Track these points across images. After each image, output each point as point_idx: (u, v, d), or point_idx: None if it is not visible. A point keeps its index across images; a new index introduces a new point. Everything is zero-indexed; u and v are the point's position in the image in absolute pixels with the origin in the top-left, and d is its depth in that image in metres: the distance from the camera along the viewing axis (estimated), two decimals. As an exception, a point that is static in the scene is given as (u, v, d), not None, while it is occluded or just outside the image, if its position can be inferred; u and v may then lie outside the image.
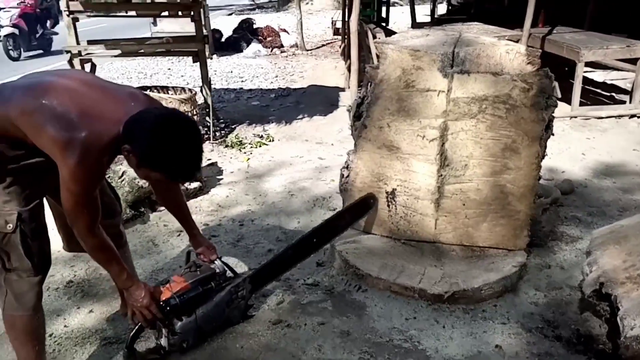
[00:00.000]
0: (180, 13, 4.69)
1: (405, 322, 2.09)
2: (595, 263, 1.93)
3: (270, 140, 4.60)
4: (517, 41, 4.47)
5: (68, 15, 4.22)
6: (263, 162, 4.10)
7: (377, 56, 4.71)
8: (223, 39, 10.18)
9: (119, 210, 1.94)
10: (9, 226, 1.53)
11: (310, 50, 9.97)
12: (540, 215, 2.57)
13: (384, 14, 8.80)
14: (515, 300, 2.22)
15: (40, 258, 1.61)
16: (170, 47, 4.68)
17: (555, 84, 2.32)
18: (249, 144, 4.50)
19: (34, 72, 1.75)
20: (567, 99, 4.74)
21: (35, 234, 1.59)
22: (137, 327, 1.83)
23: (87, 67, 4.48)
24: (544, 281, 2.35)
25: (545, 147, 2.34)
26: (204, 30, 5.21)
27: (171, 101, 4.05)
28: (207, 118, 4.56)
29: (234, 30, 10.46)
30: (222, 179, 3.75)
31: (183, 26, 8.21)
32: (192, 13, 4.50)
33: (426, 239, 2.51)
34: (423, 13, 9.63)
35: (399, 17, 10.97)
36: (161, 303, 1.80)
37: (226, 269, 2.04)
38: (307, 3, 16.50)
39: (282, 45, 10.05)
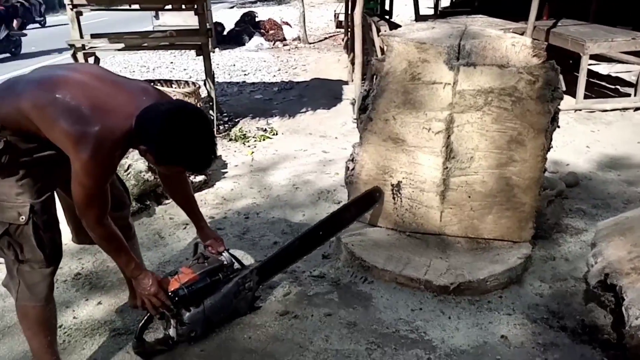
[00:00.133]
0: (183, 6, 4.67)
1: (411, 313, 2.11)
2: (600, 254, 1.94)
3: (274, 134, 4.61)
4: (521, 34, 4.46)
5: (72, 9, 4.22)
6: (267, 155, 4.11)
7: (381, 49, 4.71)
8: (225, 32, 10.17)
9: (128, 203, 1.96)
10: (22, 218, 1.55)
11: (313, 43, 9.95)
12: (545, 208, 2.58)
13: (387, 7, 8.75)
14: (521, 291, 2.23)
15: (52, 249, 1.63)
16: (174, 40, 4.67)
17: (560, 76, 2.32)
18: (253, 137, 4.51)
19: (45, 66, 1.75)
20: (571, 92, 4.73)
21: (47, 225, 1.61)
22: (146, 318, 1.85)
23: (91, 60, 4.48)
24: (548, 273, 2.37)
25: (551, 139, 2.35)
26: (207, 24, 5.20)
27: (175, 95, 4.06)
28: (210, 112, 4.56)
29: (236, 24, 10.44)
30: (226, 172, 3.76)
31: (185, 19, 8.19)
32: (195, 6, 4.49)
33: (431, 231, 2.53)
34: (426, 6, 9.57)
35: (402, 9, 10.92)
36: (170, 293, 1.82)
37: (233, 260, 2.05)
38: (309, -4, 16.41)
39: (284, 39, 10.03)
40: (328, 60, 8.08)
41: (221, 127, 4.71)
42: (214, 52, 8.54)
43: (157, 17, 9.87)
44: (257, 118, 5.07)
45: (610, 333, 1.86)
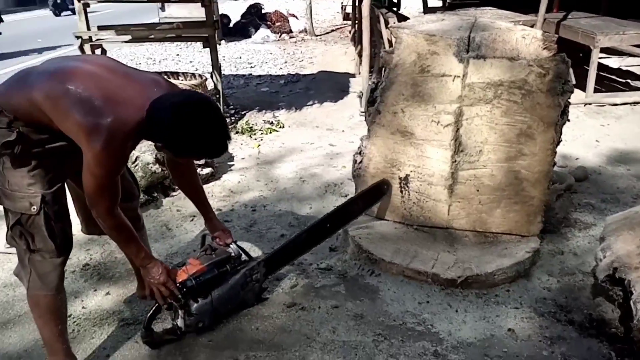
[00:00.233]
0: (190, -2, 4.66)
1: (419, 306, 2.11)
2: (609, 248, 1.93)
3: (280, 127, 4.61)
4: (531, 26, 4.41)
5: (79, 1, 4.22)
6: (274, 148, 4.11)
7: (389, 41, 4.68)
8: (231, 25, 10.15)
9: (137, 194, 1.97)
10: (34, 208, 1.57)
11: (320, 35, 9.91)
12: (553, 202, 2.57)
13: (394, -1, 8.69)
14: (528, 285, 2.23)
15: (62, 239, 1.65)
16: (181, 32, 4.67)
17: (570, 70, 2.30)
18: (260, 130, 4.51)
19: (56, 57, 1.76)
20: (581, 86, 4.68)
21: (58, 216, 1.63)
22: (154, 308, 1.87)
23: (97, 52, 4.49)
24: (557, 267, 2.36)
25: (561, 133, 2.33)
26: (214, 15, 5.19)
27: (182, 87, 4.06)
28: (217, 104, 4.56)
29: (242, 16, 10.41)
30: (233, 165, 3.77)
31: (191, 11, 8.19)
32: (202, -2, 4.48)
33: (439, 225, 2.52)
34: (434, -3, 9.50)
35: (410, 1, 10.83)
36: (178, 284, 1.83)
37: (241, 252, 2.06)
38: (315, -12, 16.32)
39: (291, 31, 10.00)
40: (335, 53, 8.05)
41: (228, 120, 4.71)
42: (220, 44, 8.53)
43: (163, 8, 9.86)
44: (264, 111, 5.07)
45: (618, 327, 1.85)
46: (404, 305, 2.12)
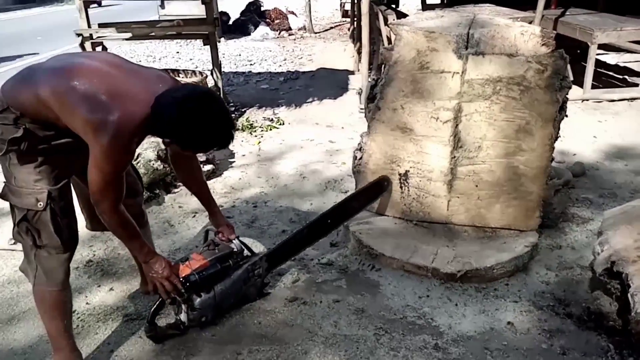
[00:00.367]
0: (190, -5, 4.67)
1: (419, 300, 2.14)
2: (606, 242, 1.96)
3: (280, 124, 4.63)
4: (529, 23, 4.42)
5: (79, -1, 4.23)
6: (274, 145, 4.13)
7: (388, 38, 4.69)
8: (230, 22, 10.14)
9: (141, 190, 1.99)
10: (40, 204, 1.58)
11: (319, 32, 9.92)
12: (551, 197, 2.59)
13: (393, -4, 8.68)
14: (527, 279, 2.25)
15: (68, 235, 1.67)
16: (181, 30, 4.68)
17: (568, 66, 2.32)
18: (260, 127, 4.52)
19: (62, 54, 1.78)
20: (579, 82, 4.70)
21: (64, 211, 1.64)
22: (157, 302, 1.89)
23: (99, 50, 4.50)
24: (555, 261, 2.38)
25: (559, 128, 2.35)
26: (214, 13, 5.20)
27: (183, 84, 4.07)
28: (219, 96, 4.57)
29: (242, 13, 10.41)
30: (234, 161, 3.79)
31: (191, 9, 8.20)
32: (202, -5, 4.48)
33: (438, 220, 2.54)
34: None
35: (408, -2, 10.85)
36: (181, 279, 1.85)
37: (243, 248, 2.09)
38: (314, -15, 16.30)
39: (290, 28, 10.00)
40: (334, 50, 8.06)
41: (228, 117, 4.72)
42: (219, 41, 8.53)
43: (162, 6, 9.86)
44: (264, 108, 5.08)
45: (616, 320, 1.88)
46: (405, 300, 2.15)
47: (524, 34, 2.30)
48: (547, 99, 2.26)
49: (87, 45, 4.34)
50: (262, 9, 10.48)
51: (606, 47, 5.45)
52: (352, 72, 6.32)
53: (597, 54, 4.86)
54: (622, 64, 5.66)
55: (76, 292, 2.27)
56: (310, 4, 9.94)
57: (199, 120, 1.54)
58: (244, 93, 5.74)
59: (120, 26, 4.53)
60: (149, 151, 3.03)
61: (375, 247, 2.37)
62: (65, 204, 1.65)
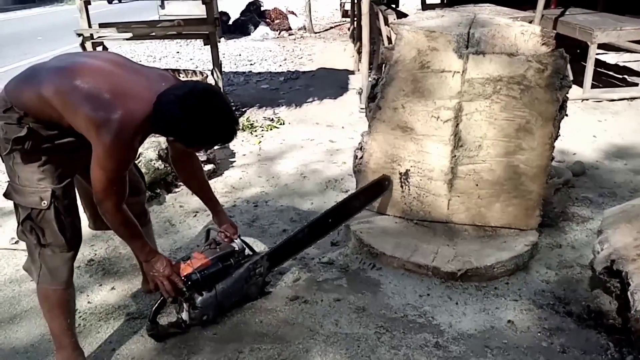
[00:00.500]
0: (190, -5, 4.68)
1: (419, 299, 2.15)
2: (606, 241, 1.96)
3: (281, 124, 4.63)
4: (529, 22, 4.43)
5: (80, -1, 4.24)
6: (274, 145, 4.13)
7: (388, 38, 4.70)
8: (230, 22, 10.15)
9: (143, 188, 1.99)
10: (44, 203, 1.59)
11: (319, 32, 9.92)
12: (551, 196, 2.60)
13: (393, -4, 8.69)
14: (527, 278, 2.26)
15: (72, 234, 1.67)
16: (182, 29, 4.68)
17: (568, 65, 2.33)
18: (260, 127, 4.53)
19: (65, 53, 1.79)
20: (579, 82, 4.71)
21: (68, 210, 1.65)
22: (159, 301, 1.89)
23: (99, 50, 4.51)
24: (555, 260, 2.39)
25: (559, 127, 2.36)
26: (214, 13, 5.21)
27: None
28: (220, 91, 4.57)
29: (242, 13, 10.41)
30: (234, 161, 3.79)
31: (191, 9, 8.20)
32: (202, -5, 4.49)
33: (439, 219, 2.55)
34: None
35: (408, -2, 10.85)
36: (182, 278, 1.86)
37: (245, 246, 2.09)
38: (314, -15, 16.30)
39: (290, 28, 10.01)
40: (334, 50, 8.06)
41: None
42: (220, 41, 8.54)
43: (162, 6, 9.87)
44: (264, 108, 5.09)
45: (616, 318, 1.89)
46: (405, 298, 2.15)
47: (524, 34, 2.30)
48: (547, 98, 2.27)
49: (88, 45, 4.34)
50: (262, 9, 10.49)
51: (606, 47, 5.46)
52: (352, 72, 6.33)
53: (597, 54, 4.87)
54: (621, 64, 5.67)
55: (78, 291, 2.26)
56: (310, 4, 9.94)
57: (201, 117, 1.54)
58: (245, 93, 5.74)
59: (121, 26, 4.53)
60: (150, 151, 3.04)
61: (375, 246, 2.38)
62: (69, 202, 1.65)
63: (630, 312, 1.72)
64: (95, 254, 2.58)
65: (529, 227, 2.45)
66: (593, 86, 4.80)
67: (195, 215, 2.95)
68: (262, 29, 9.65)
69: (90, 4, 4.36)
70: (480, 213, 2.49)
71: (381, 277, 2.29)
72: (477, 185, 2.45)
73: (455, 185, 2.47)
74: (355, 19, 7.13)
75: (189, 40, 8.66)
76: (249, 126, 4.50)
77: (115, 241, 2.62)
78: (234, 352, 1.88)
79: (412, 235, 2.49)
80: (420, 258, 2.29)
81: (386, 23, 4.77)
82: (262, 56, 7.82)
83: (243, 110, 5.03)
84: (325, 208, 2.61)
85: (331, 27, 10.50)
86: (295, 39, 9.34)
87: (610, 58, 5.81)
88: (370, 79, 2.63)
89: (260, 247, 2.55)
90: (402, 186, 2.56)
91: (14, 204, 1.65)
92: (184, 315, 1.94)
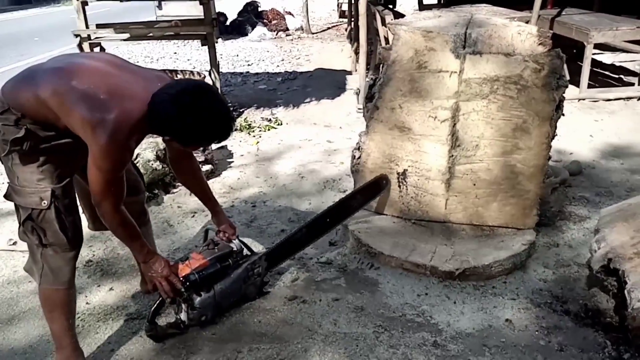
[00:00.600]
0: (188, -4, 4.68)
1: (417, 298, 2.16)
2: (603, 240, 1.98)
3: (278, 124, 4.64)
4: (526, 23, 4.45)
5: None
6: (272, 145, 4.14)
7: (385, 38, 4.71)
8: (228, 23, 10.15)
9: (143, 188, 1.99)
10: (44, 203, 1.59)
11: (316, 33, 9.93)
12: (549, 195, 2.61)
13: (390, -4, 8.71)
14: (525, 277, 2.27)
15: (74, 233, 1.67)
16: (179, 30, 4.69)
17: (564, 65, 2.34)
18: (258, 127, 4.53)
19: (62, 55, 1.78)
20: (575, 82, 4.73)
21: (69, 209, 1.65)
22: (158, 302, 1.89)
23: (96, 50, 4.50)
24: (552, 259, 2.40)
25: (556, 127, 2.37)
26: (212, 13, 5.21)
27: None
28: (215, 88, 4.57)
29: (239, 14, 10.41)
30: (232, 162, 3.80)
31: (189, 9, 8.21)
32: (200, -4, 4.49)
33: (436, 219, 2.56)
34: (429, -5, 9.53)
35: (405, -1, 10.87)
36: (181, 279, 1.86)
37: (243, 247, 2.10)
38: (311, -15, 16.31)
39: (287, 29, 10.01)
40: (331, 50, 8.07)
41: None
42: (217, 42, 8.54)
43: (160, 7, 9.87)
44: (262, 108, 5.09)
45: (613, 316, 1.90)
46: (403, 298, 2.16)
47: (521, 34, 2.31)
48: (544, 98, 2.28)
49: (85, 46, 4.34)
50: (260, 9, 10.49)
51: (602, 47, 5.48)
52: (350, 72, 6.34)
53: (593, 54, 4.89)
54: (617, 64, 5.69)
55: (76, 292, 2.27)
56: (307, 5, 9.95)
57: (196, 114, 1.53)
58: (242, 93, 5.75)
59: (118, 27, 4.53)
60: (147, 151, 3.04)
61: (374, 245, 2.38)
62: (70, 201, 1.65)
63: (627, 310, 1.73)
64: (94, 255, 2.58)
65: (526, 226, 2.46)
66: (589, 86, 4.82)
67: (193, 216, 2.95)
68: (260, 30, 9.66)
69: (87, 4, 4.35)
70: (477, 212, 2.50)
71: (379, 276, 2.30)
72: (474, 184, 2.46)
73: (453, 185, 2.48)
74: (353, 19, 7.14)
75: (186, 41, 8.66)
76: (247, 127, 4.50)
77: (114, 242, 2.62)
78: (232, 352, 1.88)
79: (410, 234, 2.50)
80: (418, 257, 2.29)
81: (383, 23, 4.78)
82: (260, 57, 7.83)
83: (241, 110, 5.03)
84: (324, 208, 2.62)
85: (328, 28, 10.51)
86: (292, 40, 9.35)
87: (607, 58, 5.84)
88: (367, 79, 2.64)
89: (258, 247, 2.55)
90: (399, 186, 2.57)
91: (15, 205, 1.65)
92: (183, 316, 1.94)
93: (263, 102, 5.31)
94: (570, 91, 4.54)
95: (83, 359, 1.83)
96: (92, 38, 4.39)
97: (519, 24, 2.47)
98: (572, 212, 2.81)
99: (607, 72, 5.55)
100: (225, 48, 8.54)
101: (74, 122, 1.51)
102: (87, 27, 4.39)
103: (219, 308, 2.01)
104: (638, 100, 4.70)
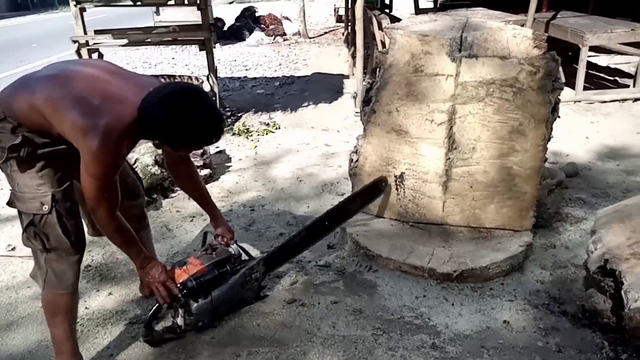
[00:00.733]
0: (185, 2, 4.70)
1: (416, 300, 2.16)
2: (600, 241, 1.99)
3: (276, 128, 4.65)
4: (521, 26, 4.48)
5: (75, 5, 4.25)
6: (270, 149, 4.15)
7: (382, 42, 4.74)
8: (225, 28, 10.18)
9: (142, 192, 1.99)
10: (45, 207, 1.59)
11: (313, 37, 9.97)
12: (545, 197, 2.62)
13: (387, 0, 8.76)
14: (522, 278, 2.28)
15: (77, 236, 1.67)
16: (177, 35, 4.71)
17: (560, 68, 2.36)
18: (256, 131, 4.55)
19: (57, 62, 1.79)
20: (571, 84, 4.76)
21: (70, 213, 1.65)
22: (155, 307, 1.89)
23: (94, 57, 4.52)
24: (549, 260, 2.41)
25: (552, 129, 2.39)
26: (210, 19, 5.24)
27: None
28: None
29: (236, 19, 10.45)
30: (230, 166, 3.81)
31: (186, 15, 8.23)
32: (197, 1, 4.52)
33: (434, 221, 2.57)
34: (426, -1, 9.60)
35: (401, 3, 10.91)
36: (178, 285, 1.85)
37: (241, 252, 2.09)
38: (308, -10, 16.37)
39: (284, 33, 10.05)
40: (328, 55, 8.10)
41: (224, 122, 4.74)
42: (215, 47, 8.56)
43: (157, 13, 9.90)
44: (260, 112, 5.11)
45: (610, 317, 1.91)
46: (402, 300, 2.17)
47: (516, 37, 2.33)
48: (540, 100, 2.30)
49: (83, 52, 4.36)
50: (257, 14, 10.53)
51: (597, 49, 5.51)
52: (347, 76, 6.36)
53: (588, 56, 4.92)
54: (612, 66, 5.73)
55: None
56: (304, 10, 9.99)
57: (184, 116, 1.51)
58: (240, 98, 5.76)
59: (116, 32, 4.55)
60: (146, 156, 3.05)
61: (372, 248, 2.39)
62: (71, 205, 1.65)
63: (624, 311, 1.74)
64: (93, 260, 2.58)
65: (523, 228, 2.48)
66: (585, 88, 4.85)
67: (192, 220, 2.95)
68: (257, 35, 9.69)
69: (85, 10, 4.37)
70: (474, 215, 2.51)
71: (377, 279, 2.31)
72: (471, 187, 2.47)
73: (450, 188, 2.49)
74: (350, 24, 7.18)
75: (184, 47, 8.68)
76: (245, 131, 4.51)
77: (113, 247, 2.61)
78: (231, 355, 1.88)
79: (407, 237, 2.51)
80: (416, 260, 2.30)
81: (380, 28, 4.81)
82: (257, 61, 7.85)
83: (239, 115, 5.05)
84: (322, 211, 2.61)
85: (325, 32, 10.55)
86: (290, 44, 9.38)
87: (602, 60, 5.87)
88: (364, 83, 2.65)
89: (257, 251, 2.55)
90: (397, 189, 2.58)
91: (17, 211, 1.65)
92: (179, 321, 1.93)
93: (261, 106, 5.32)
94: (566, 93, 4.56)
95: (83, 364, 1.83)
96: (90, 44, 4.41)
97: (514, 27, 2.49)
98: (568, 214, 2.83)
99: (602, 75, 5.59)
100: (223, 53, 8.56)
101: (65, 128, 1.51)
102: (85, 33, 4.40)
103: (216, 314, 2.01)
104: (633, 102, 4.73)
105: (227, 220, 2.89)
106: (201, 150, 3.38)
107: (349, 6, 7.29)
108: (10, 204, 1.65)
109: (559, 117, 2.43)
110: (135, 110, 1.53)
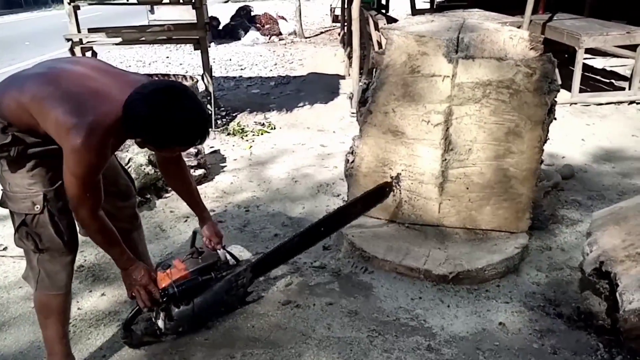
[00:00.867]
0: (180, 0, 4.67)
1: (411, 302, 2.15)
2: (595, 243, 1.99)
3: (271, 128, 4.63)
4: (518, 27, 4.48)
5: (69, 3, 4.21)
6: (265, 149, 4.13)
7: (378, 43, 4.73)
8: (220, 27, 10.15)
9: (134, 192, 1.96)
10: (37, 207, 1.57)
11: (309, 37, 9.96)
12: (541, 199, 2.63)
13: (383, 1, 8.76)
14: (518, 280, 2.28)
15: (70, 236, 1.64)
16: (172, 34, 4.68)
17: (556, 70, 2.36)
18: (251, 131, 4.53)
19: (47, 60, 1.75)
20: (567, 86, 4.76)
21: (63, 212, 1.62)
22: (135, 309, 1.84)
23: (88, 55, 4.48)
24: (545, 262, 2.41)
25: (548, 131, 2.39)
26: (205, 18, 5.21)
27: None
28: (208, 106, 4.58)
29: (232, 18, 10.42)
30: (225, 166, 3.78)
31: (181, 14, 8.20)
32: (192, 0, 4.49)
33: (430, 223, 2.56)
34: (422, 0, 9.62)
35: (398, 3, 10.93)
36: (159, 289, 1.80)
37: (228, 257, 2.03)
38: (304, -10, 16.35)
39: (280, 33, 10.03)
40: (324, 55, 8.09)
41: (219, 122, 4.73)
42: (210, 46, 8.53)
43: (152, 11, 9.85)
44: (255, 112, 5.09)
45: (605, 319, 1.90)
46: (397, 302, 2.16)
47: (513, 38, 2.33)
48: (536, 102, 2.30)
49: (77, 50, 4.32)
50: (252, 14, 10.51)
51: (593, 52, 5.54)
52: (343, 77, 6.35)
53: (585, 58, 4.93)
54: (608, 68, 5.76)
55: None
56: (300, 9, 9.98)
57: (168, 113, 1.46)
58: (235, 98, 5.74)
59: (110, 31, 4.51)
60: (140, 156, 3.03)
61: (367, 249, 2.38)
62: (63, 204, 1.61)
63: (619, 313, 1.74)
64: (85, 260, 2.56)
65: (519, 229, 2.47)
66: (581, 90, 4.87)
67: (185, 220, 2.93)
68: (253, 34, 9.66)
69: (79, 8, 4.33)
70: (470, 216, 2.51)
71: (373, 280, 2.30)
72: (467, 188, 2.46)
73: (446, 189, 2.48)
74: (346, 24, 7.17)
75: (178, 45, 8.64)
76: (240, 131, 4.49)
77: (105, 247, 2.59)
78: (225, 357, 1.87)
79: (403, 238, 2.50)
80: (412, 261, 2.29)
81: (376, 28, 4.80)
82: (253, 61, 7.83)
83: (234, 115, 5.03)
84: (317, 212, 2.60)
85: (321, 32, 10.54)
86: (285, 44, 9.36)
87: (598, 63, 5.90)
88: (361, 84, 2.64)
89: (251, 251, 2.52)
90: (393, 190, 2.57)
91: (9, 211, 1.63)
92: (160, 324, 1.89)
93: (256, 106, 5.30)
94: (562, 95, 4.57)
95: (75, 365, 1.80)
96: (84, 42, 4.37)
97: (510, 28, 2.49)
98: (564, 216, 2.83)
99: (598, 77, 5.61)
100: (218, 52, 8.53)
101: (49, 126, 1.47)
102: (79, 31, 4.37)
103: (197, 320, 1.96)
104: (629, 104, 4.75)
105: (222, 221, 2.90)
106: (195, 150, 3.36)
107: (345, 6, 7.28)
108: (1, 204, 1.63)
109: (555, 119, 2.43)
110: (119, 109, 1.48)
